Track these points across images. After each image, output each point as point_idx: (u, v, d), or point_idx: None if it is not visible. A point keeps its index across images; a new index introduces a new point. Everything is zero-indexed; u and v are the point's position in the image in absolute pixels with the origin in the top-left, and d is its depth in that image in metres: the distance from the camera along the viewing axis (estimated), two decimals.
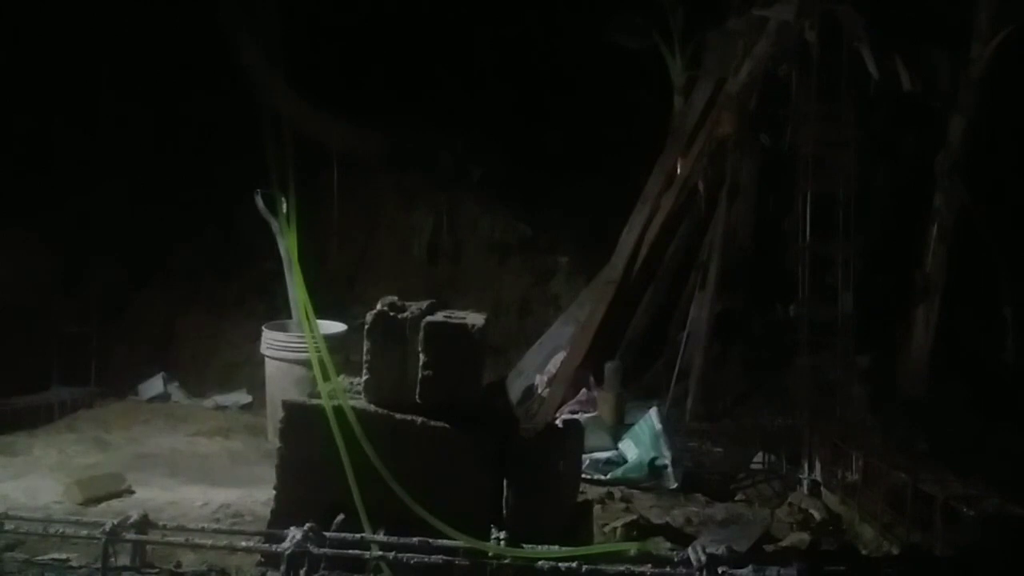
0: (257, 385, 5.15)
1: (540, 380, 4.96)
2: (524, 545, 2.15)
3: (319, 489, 2.32)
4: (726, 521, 3.42)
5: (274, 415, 4.31)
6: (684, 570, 2.09)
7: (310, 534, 2.12)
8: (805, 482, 3.82)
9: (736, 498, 3.76)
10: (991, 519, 2.75)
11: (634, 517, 3.31)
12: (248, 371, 5.47)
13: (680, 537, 3.08)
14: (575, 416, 4.38)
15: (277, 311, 4.89)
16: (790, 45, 4.57)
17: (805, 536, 3.25)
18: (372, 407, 2.41)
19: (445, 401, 2.39)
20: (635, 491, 3.74)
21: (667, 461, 3.84)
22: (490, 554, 2.13)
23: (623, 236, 5.09)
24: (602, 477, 3.81)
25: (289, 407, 2.43)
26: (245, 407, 5.25)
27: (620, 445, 4.07)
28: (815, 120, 4.32)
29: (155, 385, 5.40)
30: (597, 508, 3.26)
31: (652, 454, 3.88)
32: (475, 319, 2.45)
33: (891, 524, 3.16)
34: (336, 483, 2.22)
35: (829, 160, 4.35)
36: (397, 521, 2.19)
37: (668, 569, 2.10)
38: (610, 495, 3.64)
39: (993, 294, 4.68)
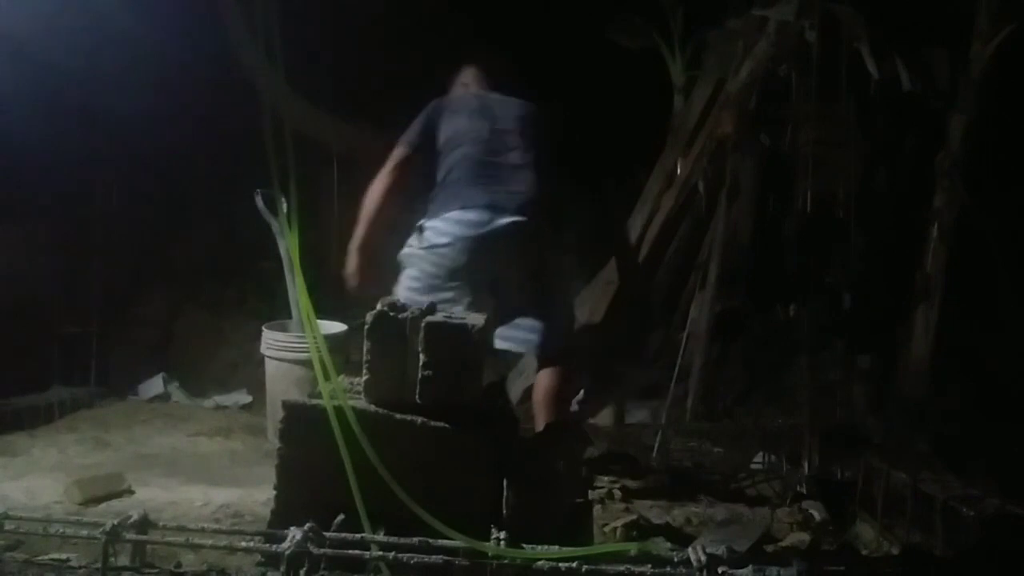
0: (257, 385, 5.15)
1: None
2: (524, 545, 2.15)
3: (319, 489, 2.32)
4: (726, 521, 3.42)
5: (274, 415, 4.31)
6: (684, 570, 2.09)
7: (310, 534, 2.11)
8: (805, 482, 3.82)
9: (736, 498, 3.76)
10: (992, 519, 2.75)
11: (634, 517, 3.32)
12: (248, 371, 5.47)
13: (680, 537, 3.09)
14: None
15: (277, 311, 4.89)
16: (790, 45, 4.57)
17: (805, 536, 3.25)
18: (372, 407, 2.41)
19: (445, 401, 2.39)
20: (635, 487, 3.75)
21: None
22: (490, 554, 2.12)
23: None
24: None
25: (289, 407, 2.43)
26: (245, 407, 5.25)
27: None
28: (815, 120, 4.32)
29: (155, 385, 5.40)
30: (597, 508, 3.26)
31: None
32: (475, 319, 2.45)
33: (891, 524, 3.16)
34: (336, 483, 2.22)
35: (829, 160, 4.35)
36: (397, 521, 2.19)
37: (668, 569, 2.10)
38: (610, 495, 3.64)
39: (993, 294, 4.67)
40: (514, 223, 3.15)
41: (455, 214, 3.18)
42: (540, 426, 3.12)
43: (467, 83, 3.79)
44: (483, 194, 3.21)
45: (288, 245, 3.85)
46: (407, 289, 3.23)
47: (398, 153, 3.41)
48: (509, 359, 3.33)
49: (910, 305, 4.57)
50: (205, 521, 2.98)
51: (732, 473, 4.05)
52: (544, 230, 3.23)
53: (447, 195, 3.25)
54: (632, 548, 2.27)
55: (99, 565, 2.13)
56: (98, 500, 3.26)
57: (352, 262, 3.37)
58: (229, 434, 4.57)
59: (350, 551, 2.13)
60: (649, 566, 2.10)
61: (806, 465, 3.88)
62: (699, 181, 5.10)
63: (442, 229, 3.18)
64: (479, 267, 3.16)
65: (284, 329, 4.63)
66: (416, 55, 5.98)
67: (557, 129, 3.54)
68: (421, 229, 3.29)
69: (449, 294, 3.17)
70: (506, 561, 2.11)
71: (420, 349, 2.38)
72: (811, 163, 4.30)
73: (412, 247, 3.29)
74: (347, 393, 2.43)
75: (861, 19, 4.34)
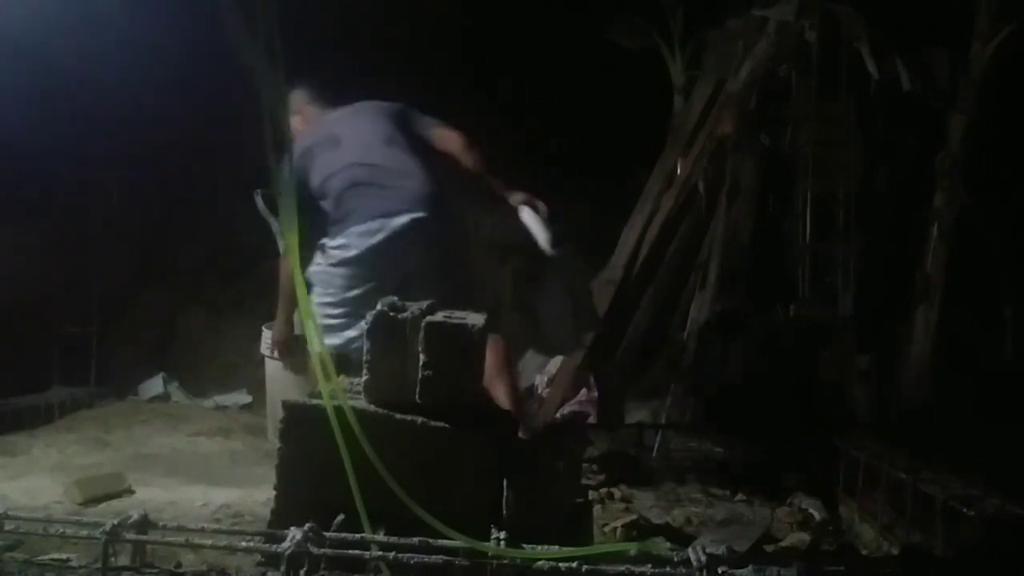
0: (257, 385, 5.15)
1: (540, 380, 4.97)
2: (524, 545, 2.15)
3: (319, 489, 2.32)
4: (726, 521, 3.42)
5: (274, 415, 4.29)
6: (684, 570, 2.09)
7: (310, 534, 2.11)
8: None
9: (736, 498, 3.76)
10: (992, 520, 2.75)
11: (634, 517, 3.32)
12: (248, 371, 5.47)
13: (680, 537, 3.08)
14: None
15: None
16: (790, 45, 4.57)
17: (805, 536, 3.25)
18: (372, 407, 2.40)
19: (445, 401, 2.38)
20: (635, 491, 3.75)
21: None
22: (490, 554, 2.12)
23: (623, 236, 5.09)
24: None
25: (289, 407, 2.43)
26: (245, 407, 5.25)
27: None
28: (815, 120, 4.32)
29: (155, 385, 5.40)
30: (597, 508, 3.26)
31: None
32: (475, 319, 2.45)
33: (891, 524, 3.16)
34: (336, 483, 2.21)
35: (829, 160, 4.35)
36: (397, 521, 2.19)
37: (668, 569, 2.10)
38: (610, 495, 3.64)
39: (993, 294, 4.68)
40: (411, 219, 3.36)
41: (354, 229, 3.38)
42: (502, 403, 3.21)
43: (303, 108, 3.91)
44: (375, 205, 3.42)
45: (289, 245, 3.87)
46: (321, 304, 3.44)
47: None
48: None
49: (910, 305, 4.57)
50: (205, 521, 2.97)
51: (732, 473, 4.05)
52: (440, 219, 3.42)
53: (342, 215, 3.44)
54: (632, 548, 2.27)
55: (99, 565, 2.13)
56: (98, 500, 3.25)
57: (281, 333, 3.90)
58: (229, 434, 4.58)
59: (350, 551, 2.13)
60: (649, 566, 2.10)
61: (806, 465, 3.88)
62: (699, 181, 5.10)
63: (346, 244, 3.39)
64: (387, 270, 3.36)
65: None
66: (418, 55, 5.99)
67: (409, 115, 3.70)
68: (324, 248, 3.47)
69: (362, 302, 3.36)
70: (506, 561, 2.11)
71: (420, 349, 2.38)
72: (811, 163, 4.29)
73: (320, 265, 3.46)
74: (347, 393, 2.43)
75: (861, 19, 4.34)
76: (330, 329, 3.42)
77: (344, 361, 3.34)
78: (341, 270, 3.39)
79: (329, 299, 3.43)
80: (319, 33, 5.13)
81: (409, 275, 3.36)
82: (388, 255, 3.38)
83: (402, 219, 3.36)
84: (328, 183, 3.50)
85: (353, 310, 3.38)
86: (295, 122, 3.85)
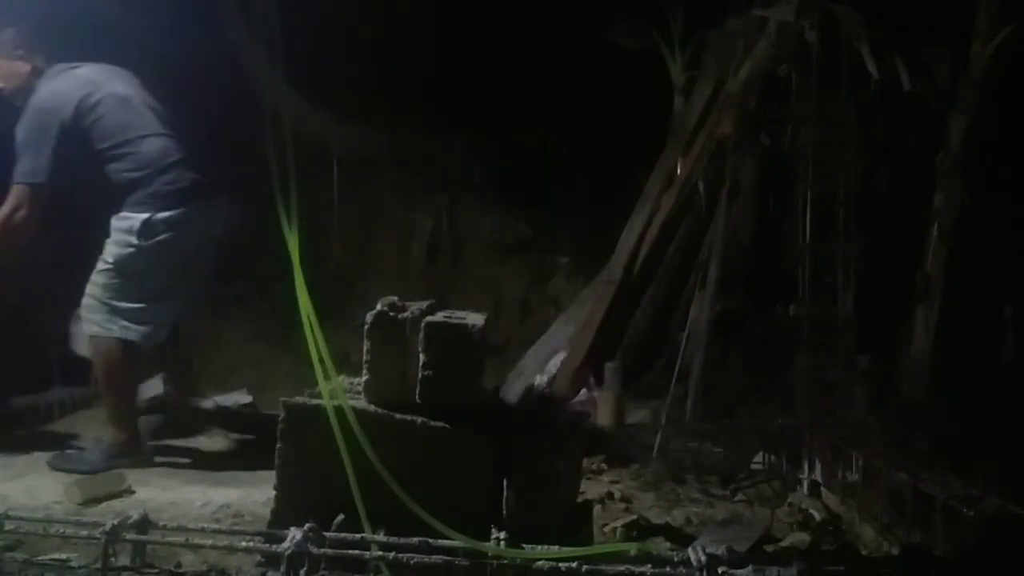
0: (258, 385, 5.15)
1: (540, 380, 4.97)
2: (524, 545, 2.15)
3: (319, 489, 2.33)
4: (726, 521, 3.42)
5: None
6: (684, 570, 2.09)
7: (310, 534, 2.12)
8: (805, 482, 3.82)
9: (736, 498, 3.76)
10: (992, 520, 2.74)
11: (634, 517, 3.31)
12: (248, 371, 5.47)
13: (680, 537, 3.08)
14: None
15: (278, 311, 4.90)
16: (790, 45, 4.57)
17: (805, 536, 3.25)
18: (372, 407, 2.41)
19: (445, 401, 2.39)
20: (635, 491, 3.75)
21: None
22: (490, 554, 2.13)
23: (623, 236, 5.09)
24: None
25: (289, 407, 2.43)
26: (245, 407, 5.24)
27: None
28: (815, 120, 4.31)
29: (155, 385, 5.39)
30: (597, 508, 3.26)
31: None
32: (475, 319, 2.45)
33: (891, 524, 3.16)
34: (336, 483, 2.22)
35: (829, 160, 4.34)
36: (397, 521, 2.20)
37: (668, 569, 2.10)
38: (610, 495, 3.64)
39: (993, 294, 4.68)
40: (218, 201, 3.73)
41: (176, 214, 3.56)
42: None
43: (32, 52, 3.80)
44: (194, 184, 3.62)
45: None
46: (124, 291, 3.66)
47: (38, 192, 3.66)
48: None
49: (910, 305, 4.57)
50: (205, 521, 2.97)
51: (732, 473, 4.05)
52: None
53: (161, 190, 3.61)
54: (632, 548, 2.27)
55: (99, 565, 2.13)
56: (98, 500, 3.25)
57: None
58: (229, 434, 4.57)
59: (350, 551, 2.13)
60: (649, 566, 2.10)
61: (806, 465, 3.88)
62: (699, 181, 5.10)
63: (170, 222, 3.57)
64: (195, 250, 3.66)
65: None
66: (417, 55, 6.00)
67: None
68: (148, 225, 3.58)
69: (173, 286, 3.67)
70: (506, 561, 2.11)
71: (420, 349, 2.38)
72: (811, 163, 4.29)
73: (134, 246, 3.61)
74: (347, 393, 2.43)
75: (861, 19, 4.34)
76: (133, 315, 3.60)
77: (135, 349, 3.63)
78: (164, 251, 3.58)
79: (135, 283, 3.58)
80: (315, 33, 5.13)
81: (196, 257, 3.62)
82: (199, 237, 3.63)
83: (214, 199, 3.66)
84: (133, 147, 3.60)
85: (161, 295, 3.62)
86: (22, 66, 3.78)
